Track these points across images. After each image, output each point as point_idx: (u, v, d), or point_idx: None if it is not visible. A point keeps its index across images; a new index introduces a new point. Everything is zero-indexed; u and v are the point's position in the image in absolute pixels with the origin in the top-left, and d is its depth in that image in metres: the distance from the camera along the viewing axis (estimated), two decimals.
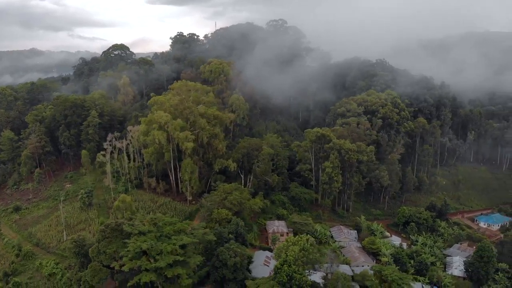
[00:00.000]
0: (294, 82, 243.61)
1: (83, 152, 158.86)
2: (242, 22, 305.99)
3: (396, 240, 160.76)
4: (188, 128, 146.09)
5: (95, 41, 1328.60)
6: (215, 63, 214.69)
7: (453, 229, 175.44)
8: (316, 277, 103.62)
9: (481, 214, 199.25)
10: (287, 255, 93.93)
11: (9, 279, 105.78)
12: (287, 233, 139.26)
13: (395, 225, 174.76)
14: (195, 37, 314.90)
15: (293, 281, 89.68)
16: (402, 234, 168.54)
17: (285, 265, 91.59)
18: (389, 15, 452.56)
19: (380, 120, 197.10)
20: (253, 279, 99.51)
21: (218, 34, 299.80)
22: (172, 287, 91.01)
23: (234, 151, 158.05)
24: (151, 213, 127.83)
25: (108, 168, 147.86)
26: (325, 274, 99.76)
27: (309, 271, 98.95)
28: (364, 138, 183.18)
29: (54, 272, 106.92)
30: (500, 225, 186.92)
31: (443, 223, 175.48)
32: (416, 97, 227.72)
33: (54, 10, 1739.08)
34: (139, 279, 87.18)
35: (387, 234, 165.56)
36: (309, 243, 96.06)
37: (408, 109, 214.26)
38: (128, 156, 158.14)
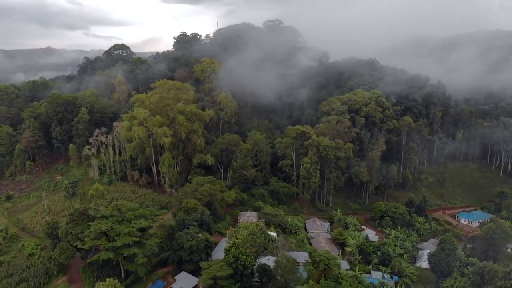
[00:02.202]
0: (288, 81, 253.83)
1: (71, 146, 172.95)
2: (254, 20, 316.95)
3: (370, 233, 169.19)
4: (167, 124, 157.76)
5: (111, 39, 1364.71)
6: (207, 63, 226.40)
7: (430, 225, 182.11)
8: (271, 262, 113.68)
9: (463, 211, 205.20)
10: (236, 238, 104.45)
11: None
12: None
13: (373, 220, 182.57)
14: (198, 36, 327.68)
15: (239, 261, 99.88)
16: (378, 228, 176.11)
17: (233, 247, 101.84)
18: (393, 15, 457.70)
19: (363, 118, 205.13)
20: (210, 261, 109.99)
21: (217, 34, 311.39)
22: (130, 265, 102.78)
23: (212, 146, 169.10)
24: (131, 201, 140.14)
25: (93, 161, 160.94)
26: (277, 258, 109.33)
27: (259, 255, 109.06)
28: (343, 135, 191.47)
29: (33, 252, 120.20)
30: (480, 221, 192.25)
31: (420, 219, 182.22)
32: (406, 96, 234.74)
33: (70, 9, 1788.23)
34: (99, 257, 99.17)
35: (363, 227, 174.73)
36: (258, 228, 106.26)
37: (395, 108, 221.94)
38: (115, 150, 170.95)
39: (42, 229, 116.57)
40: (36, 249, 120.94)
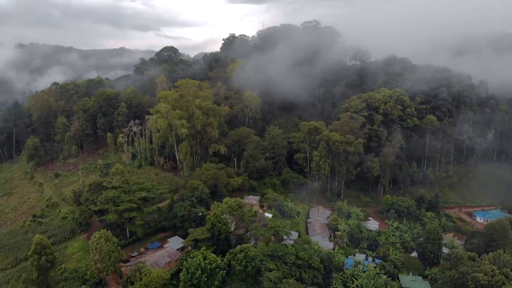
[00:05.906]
0: (322, 79, 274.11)
1: (108, 134, 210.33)
2: (318, 18, 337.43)
3: (373, 224, 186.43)
4: (187, 117, 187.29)
5: (179, 40, 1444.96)
6: (238, 63, 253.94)
7: (440, 220, 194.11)
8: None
9: (481, 209, 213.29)
10: (217, 210, 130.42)
11: (35, 219, 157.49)
12: (262, 206, 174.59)
13: (381, 212, 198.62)
14: (246, 37, 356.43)
15: (215, 228, 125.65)
16: (385, 220, 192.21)
17: (212, 217, 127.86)
18: (441, 12, 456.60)
19: (380, 116, 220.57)
20: None
21: (259, 35, 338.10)
22: (132, 226, 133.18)
23: (225, 138, 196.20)
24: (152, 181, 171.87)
25: (125, 147, 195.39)
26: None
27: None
28: (356, 131, 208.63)
29: (66, 216, 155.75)
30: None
31: (429, 214, 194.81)
32: (435, 95, 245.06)
33: (143, 11, 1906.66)
34: (107, 217, 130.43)
35: (370, 218, 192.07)
36: (236, 203, 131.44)
37: (419, 107, 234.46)
38: (146, 139, 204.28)
39: (70, 196, 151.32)
40: (68, 213, 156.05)
